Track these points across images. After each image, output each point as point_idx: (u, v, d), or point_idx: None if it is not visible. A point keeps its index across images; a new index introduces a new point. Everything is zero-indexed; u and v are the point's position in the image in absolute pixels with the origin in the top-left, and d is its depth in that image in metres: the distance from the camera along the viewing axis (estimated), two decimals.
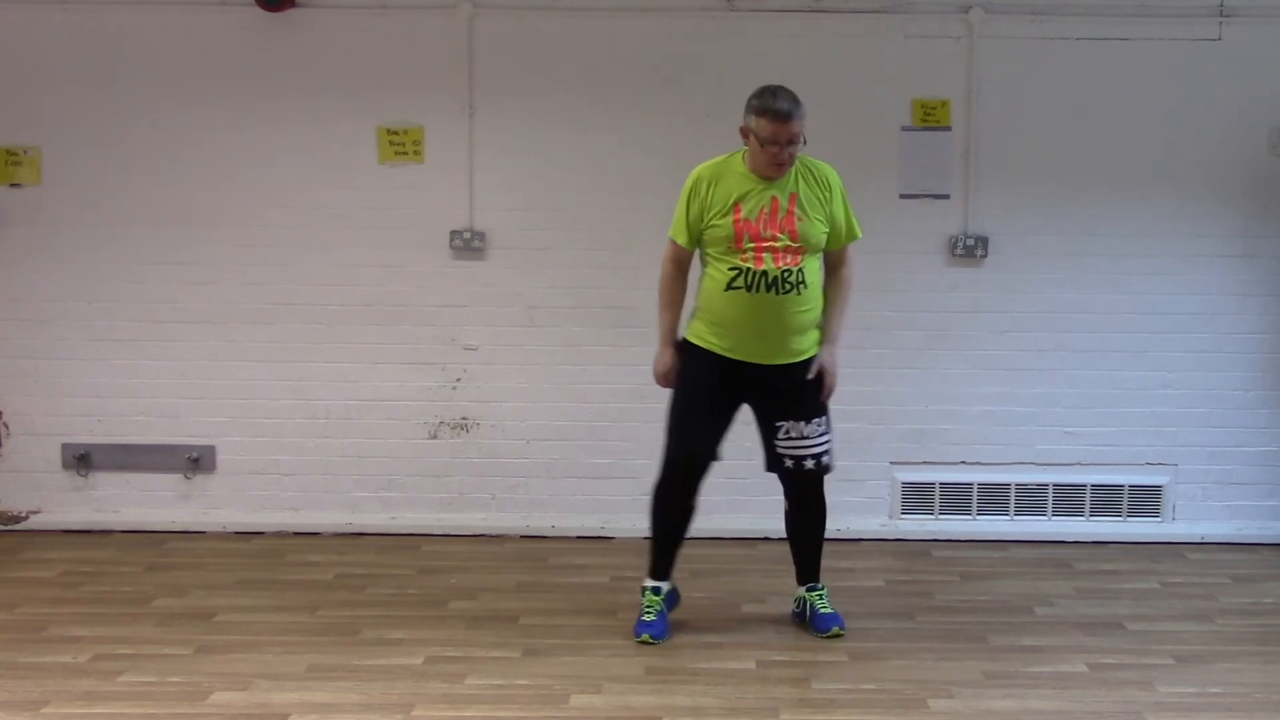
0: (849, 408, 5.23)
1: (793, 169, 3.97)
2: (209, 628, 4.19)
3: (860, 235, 4.17)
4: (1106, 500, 5.32)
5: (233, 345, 5.29)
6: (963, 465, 5.34)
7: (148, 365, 5.30)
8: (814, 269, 4.01)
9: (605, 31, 5.17)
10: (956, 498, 5.33)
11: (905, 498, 5.34)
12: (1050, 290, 5.25)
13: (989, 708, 3.61)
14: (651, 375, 4.19)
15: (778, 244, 3.92)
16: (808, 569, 4.27)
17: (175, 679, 3.75)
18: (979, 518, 5.34)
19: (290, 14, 5.15)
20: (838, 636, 4.11)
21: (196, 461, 5.33)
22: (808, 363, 4.06)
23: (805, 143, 3.96)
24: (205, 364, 5.30)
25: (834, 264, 4.13)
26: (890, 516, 5.36)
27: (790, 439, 4.08)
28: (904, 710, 3.59)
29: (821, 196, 4.01)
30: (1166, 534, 5.32)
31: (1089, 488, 5.31)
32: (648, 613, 4.14)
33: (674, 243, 4.09)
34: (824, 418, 4.12)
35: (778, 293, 3.92)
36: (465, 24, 5.16)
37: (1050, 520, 5.32)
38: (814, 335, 4.07)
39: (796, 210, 3.96)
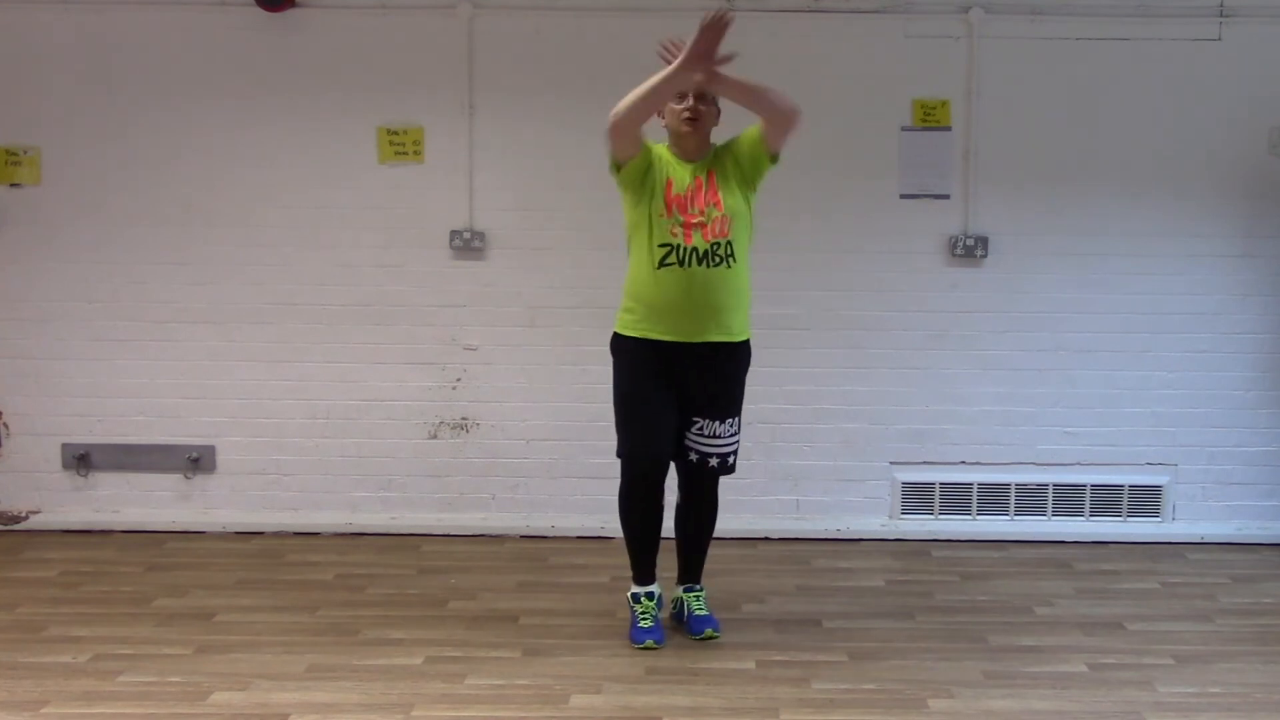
0: (849, 408, 5.27)
1: (710, 152, 4.03)
2: (209, 628, 4.18)
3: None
4: (1106, 500, 5.32)
5: (233, 345, 5.29)
6: (963, 465, 5.34)
7: (148, 365, 5.30)
8: (741, 244, 3.99)
9: (605, 31, 5.17)
10: (956, 498, 5.33)
11: (905, 498, 5.34)
12: (1050, 290, 5.26)
13: (989, 708, 3.61)
14: None
15: (706, 218, 3.95)
16: (690, 569, 4.25)
17: (175, 679, 3.75)
18: (979, 518, 5.34)
19: (290, 14, 5.15)
20: (712, 639, 4.08)
21: (196, 461, 5.33)
22: (735, 350, 4.05)
23: (719, 109, 4.02)
24: (205, 364, 5.30)
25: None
26: (890, 516, 5.36)
27: (702, 436, 4.09)
28: (904, 710, 3.59)
29: (732, 161, 4.02)
30: (1166, 534, 5.32)
31: (1089, 488, 5.31)
32: (644, 619, 4.10)
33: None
34: (736, 419, 4.12)
35: (709, 266, 3.93)
36: (465, 24, 5.16)
37: (1050, 520, 5.32)
38: (744, 317, 4.06)
39: (718, 182, 4.00)
